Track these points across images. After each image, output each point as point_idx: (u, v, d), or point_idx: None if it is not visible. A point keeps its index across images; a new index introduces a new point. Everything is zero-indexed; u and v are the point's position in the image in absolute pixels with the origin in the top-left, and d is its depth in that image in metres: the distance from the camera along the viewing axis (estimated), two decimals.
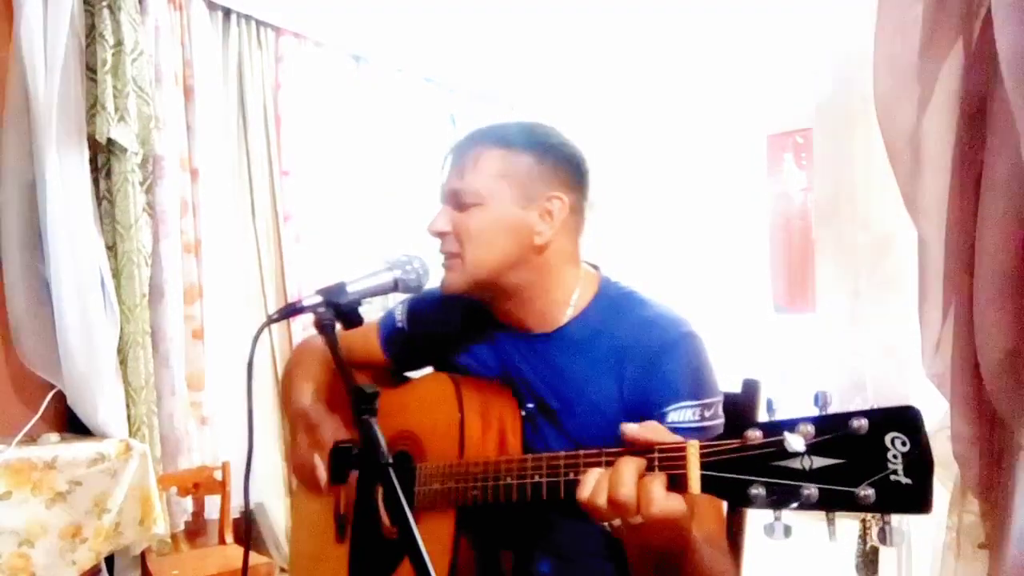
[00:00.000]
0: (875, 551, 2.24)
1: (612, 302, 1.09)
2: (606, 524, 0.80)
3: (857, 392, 2.39)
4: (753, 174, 5.02)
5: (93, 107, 2.46)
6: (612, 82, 4.35)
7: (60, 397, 2.42)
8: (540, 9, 3.53)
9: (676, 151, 4.94)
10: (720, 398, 1.02)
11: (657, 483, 0.76)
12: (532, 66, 4.03)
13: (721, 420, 1.01)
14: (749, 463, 0.72)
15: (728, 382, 1.07)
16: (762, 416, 0.75)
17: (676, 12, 3.65)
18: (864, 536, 2.26)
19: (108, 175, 2.55)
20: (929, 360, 1.19)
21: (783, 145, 5.00)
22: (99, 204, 2.53)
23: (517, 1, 3.47)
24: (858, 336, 2.48)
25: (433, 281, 1.10)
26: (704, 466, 0.75)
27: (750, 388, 1.20)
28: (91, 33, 2.48)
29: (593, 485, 0.80)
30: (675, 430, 0.90)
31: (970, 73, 1.05)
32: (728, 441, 0.74)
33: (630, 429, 0.80)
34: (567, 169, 1.08)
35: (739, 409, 1.13)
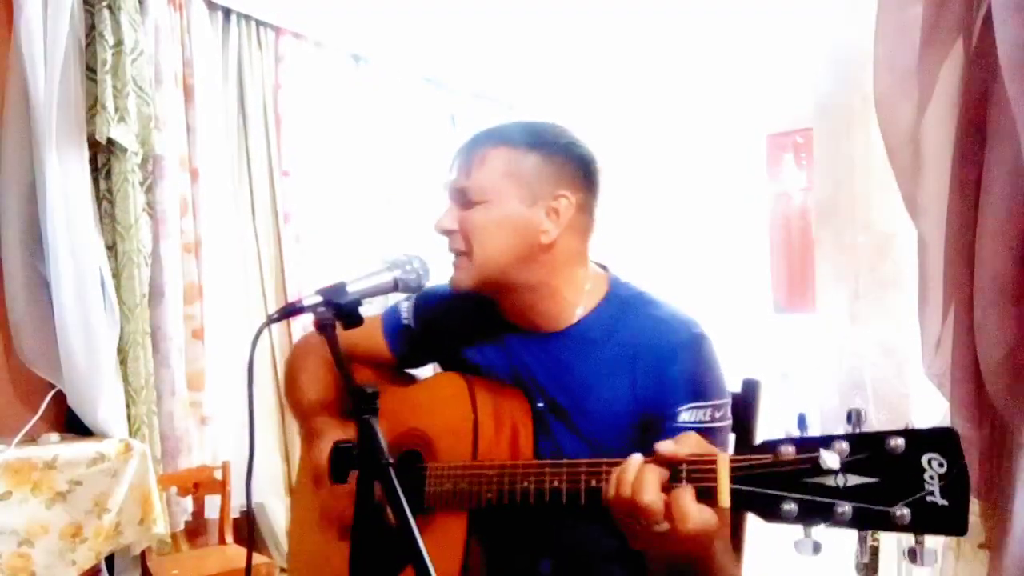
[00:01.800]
0: (875, 551, 2.24)
1: (622, 302, 1.09)
2: (627, 530, 0.81)
3: (857, 392, 2.39)
4: (753, 174, 5.02)
5: (93, 107, 2.46)
6: (612, 82, 4.35)
7: (60, 397, 2.42)
8: (540, 9, 3.53)
9: (676, 151, 4.94)
10: (729, 399, 1.03)
11: (687, 497, 0.76)
12: (532, 66, 4.03)
13: (730, 421, 1.01)
14: (781, 479, 0.71)
15: (728, 382, 1.07)
16: (770, 423, 0.75)
17: (676, 12, 3.65)
18: (864, 537, 2.25)
19: (108, 175, 2.55)
20: (929, 360, 1.19)
21: (783, 145, 5.00)
22: (99, 204, 2.53)
23: (517, 1, 3.47)
24: (858, 336, 2.48)
25: (434, 280, 1.10)
26: (735, 479, 0.74)
27: (750, 388, 1.20)
28: (91, 33, 2.48)
29: (614, 481, 0.80)
30: (685, 430, 0.90)
31: (970, 73, 1.05)
32: (760, 456, 0.73)
33: (665, 448, 0.79)
34: (575, 168, 1.08)
35: (739, 409, 1.13)
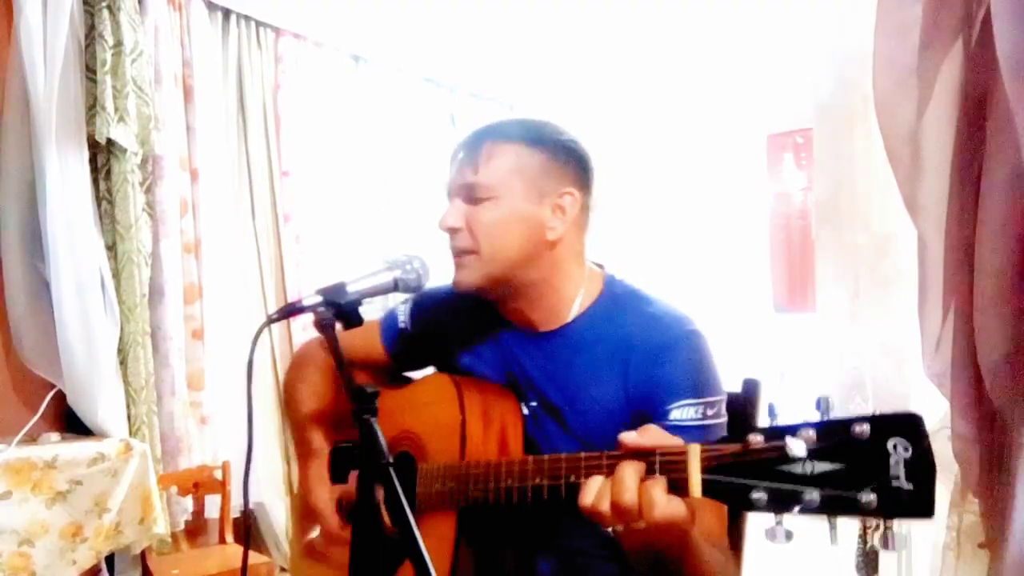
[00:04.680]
0: (875, 551, 2.25)
1: (617, 299, 1.09)
2: (609, 529, 0.80)
3: (857, 391, 2.39)
4: (753, 174, 5.02)
5: (93, 107, 2.46)
6: (612, 82, 4.35)
7: (60, 397, 2.42)
8: (540, 9, 3.53)
9: (677, 151, 4.94)
10: (723, 397, 1.02)
11: (658, 488, 0.76)
12: (532, 66, 4.04)
13: (724, 419, 1.01)
14: (751, 467, 0.72)
15: (728, 382, 1.07)
16: (763, 420, 0.75)
17: (676, 13, 3.65)
18: (864, 536, 2.26)
19: (108, 175, 2.55)
20: (929, 360, 1.19)
21: (783, 145, 5.00)
22: (99, 204, 2.53)
23: (517, 1, 3.47)
24: (858, 336, 2.48)
25: (434, 280, 1.10)
26: (705, 470, 0.75)
27: (750, 388, 1.20)
28: (91, 33, 2.48)
29: (596, 492, 0.79)
30: (678, 428, 0.90)
31: (970, 73, 1.05)
32: (729, 445, 0.74)
33: (629, 438, 0.79)
34: (577, 166, 1.09)
35: (739, 409, 1.13)
